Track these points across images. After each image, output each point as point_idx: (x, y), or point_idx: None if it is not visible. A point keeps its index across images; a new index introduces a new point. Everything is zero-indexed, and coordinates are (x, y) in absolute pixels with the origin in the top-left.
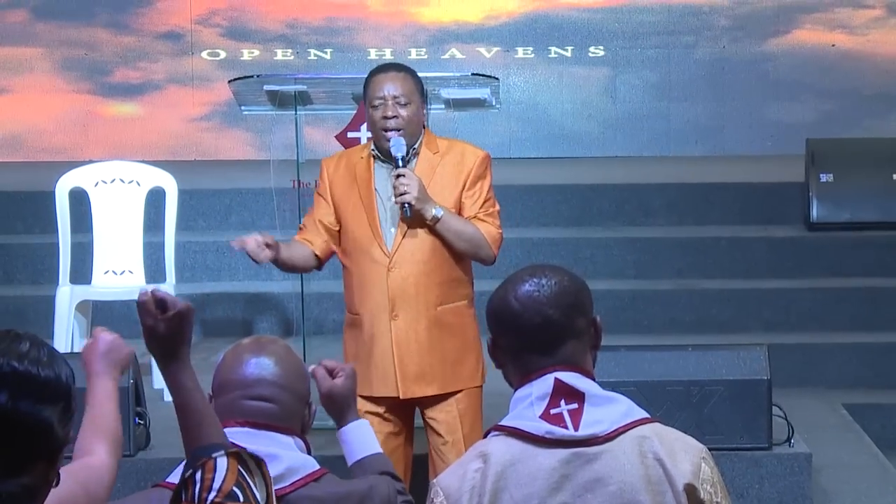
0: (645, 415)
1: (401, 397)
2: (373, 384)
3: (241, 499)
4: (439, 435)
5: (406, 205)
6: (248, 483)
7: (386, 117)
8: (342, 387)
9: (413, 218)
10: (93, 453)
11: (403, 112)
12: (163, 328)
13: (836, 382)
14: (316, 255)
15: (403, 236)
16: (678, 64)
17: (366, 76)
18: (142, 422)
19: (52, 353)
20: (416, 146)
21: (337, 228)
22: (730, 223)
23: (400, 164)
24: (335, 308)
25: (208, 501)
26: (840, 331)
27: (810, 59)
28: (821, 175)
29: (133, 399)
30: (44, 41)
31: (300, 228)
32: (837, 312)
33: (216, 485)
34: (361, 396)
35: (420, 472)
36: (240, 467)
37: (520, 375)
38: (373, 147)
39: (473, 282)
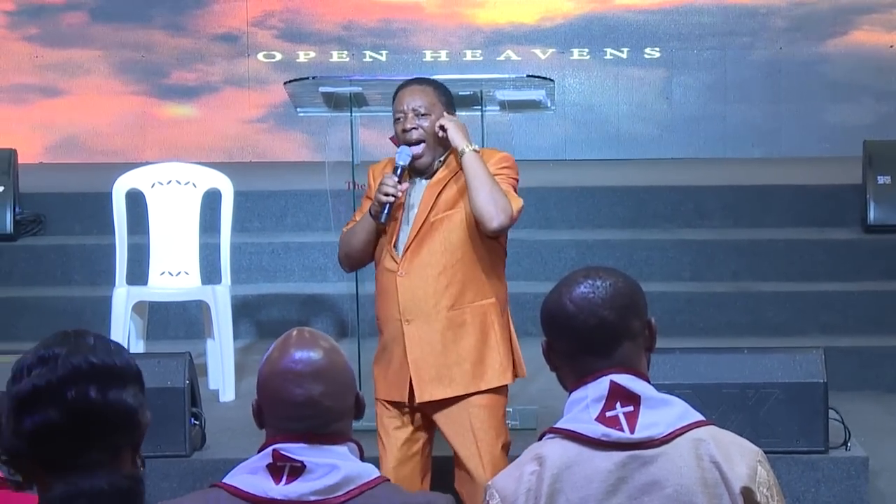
0: (700, 417)
1: (413, 402)
2: (391, 389)
3: None
4: (450, 442)
5: (386, 207)
6: None
7: (405, 130)
8: None
9: (420, 211)
10: None
11: (424, 123)
12: None
13: (894, 386)
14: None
15: (412, 242)
16: (734, 65)
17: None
18: (197, 422)
19: (114, 342)
20: (442, 158)
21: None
22: (786, 225)
23: (398, 172)
24: None
25: None
26: None
27: (868, 60)
28: (878, 177)
29: (189, 399)
30: (101, 43)
31: (345, 228)
32: (894, 315)
33: None
34: (380, 401)
35: (441, 477)
36: None
37: (575, 378)
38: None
39: (505, 280)
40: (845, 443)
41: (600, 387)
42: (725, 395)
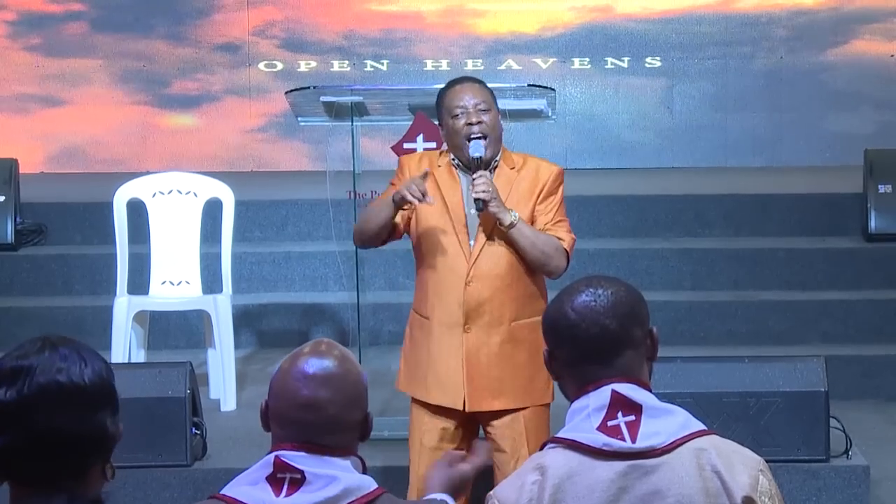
0: (702, 427)
1: (466, 410)
2: (433, 392)
3: None
4: (503, 451)
5: (480, 201)
6: None
7: (470, 123)
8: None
9: (484, 217)
10: None
11: (486, 118)
12: None
13: (895, 394)
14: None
15: (482, 250)
16: (735, 74)
17: (441, 89)
18: (198, 432)
19: (88, 355)
20: (497, 158)
21: (407, 220)
22: (787, 234)
23: (480, 164)
24: (391, 319)
25: None
26: None
27: (869, 69)
28: (879, 186)
29: (189, 409)
30: (102, 53)
31: (361, 212)
32: (895, 324)
33: None
34: (419, 404)
35: (480, 486)
36: None
37: (576, 387)
38: (453, 158)
39: (547, 297)
40: (846, 451)
41: (602, 396)
42: (726, 404)
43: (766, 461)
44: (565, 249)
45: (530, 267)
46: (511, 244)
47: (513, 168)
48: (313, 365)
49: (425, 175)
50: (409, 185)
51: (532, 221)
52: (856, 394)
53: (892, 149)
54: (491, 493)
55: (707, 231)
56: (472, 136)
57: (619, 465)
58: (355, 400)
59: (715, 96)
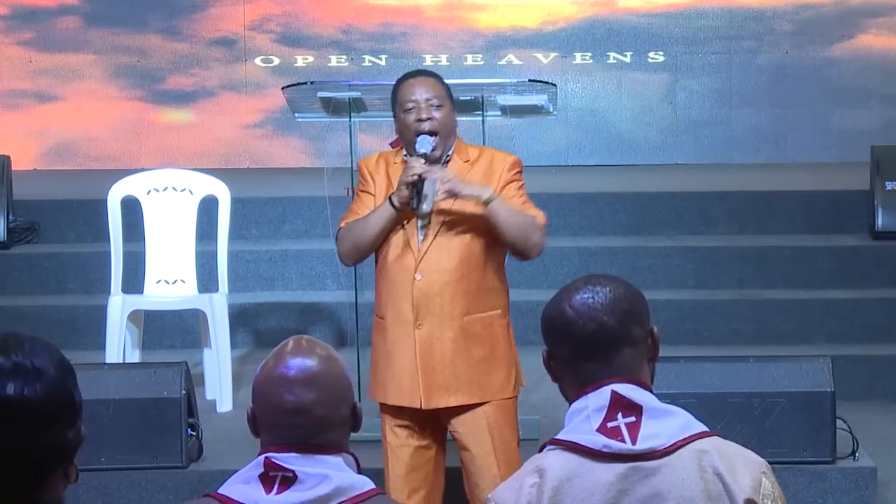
0: (704, 428)
1: (422, 407)
2: (390, 393)
3: None
4: (466, 449)
5: (416, 191)
6: None
7: (420, 119)
8: None
9: (437, 212)
10: None
11: (437, 114)
12: None
13: None
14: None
15: (430, 245)
16: (739, 69)
17: (395, 82)
18: (194, 433)
19: (41, 362)
20: (449, 153)
21: None
22: (792, 232)
23: (426, 160)
24: None
25: None
26: None
27: (875, 64)
28: (886, 183)
29: (185, 410)
30: (96, 48)
31: (344, 222)
32: None
33: None
34: (384, 406)
35: (454, 486)
36: None
37: (576, 387)
38: (405, 153)
39: (509, 291)
40: (853, 453)
41: (601, 396)
42: (731, 405)
43: (771, 463)
44: (541, 226)
45: (510, 247)
46: (489, 222)
47: (466, 161)
48: (295, 367)
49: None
50: (407, 172)
51: None
52: (862, 394)
53: None
54: (489, 495)
55: (711, 229)
56: (421, 132)
57: (619, 468)
58: (341, 396)
59: (719, 92)
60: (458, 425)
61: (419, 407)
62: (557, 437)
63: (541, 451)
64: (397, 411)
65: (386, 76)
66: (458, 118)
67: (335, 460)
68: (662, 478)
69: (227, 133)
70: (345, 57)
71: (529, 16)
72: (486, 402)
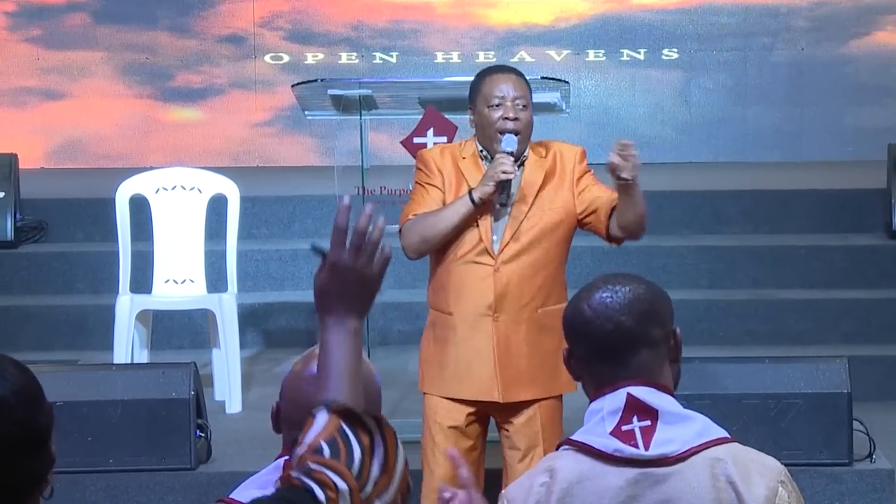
0: (722, 434)
1: (501, 401)
2: (463, 387)
3: (328, 453)
4: (516, 448)
5: (505, 188)
6: (345, 439)
7: (507, 118)
8: None
9: (516, 207)
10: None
11: (522, 115)
12: (345, 267)
13: None
14: None
15: (511, 238)
16: (755, 67)
17: (479, 73)
18: (203, 434)
19: (12, 379)
20: (525, 152)
21: None
22: (808, 231)
23: (512, 157)
24: (400, 318)
25: (297, 455)
26: None
27: (892, 60)
28: None
29: (194, 411)
30: (104, 45)
31: (409, 217)
32: None
33: (307, 439)
34: (436, 404)
35: (493, 488)
36: (343, 424)
37: (593, 388)
38: (479, 147)
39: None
40: (870, 455)
41: (617, 399)
42: (746, 406)
43: (787, 465)
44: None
45: (633, 223)
46: (624, 198)
47: (542, 157)
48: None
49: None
50: (497, 168)
51: (575, 208)
52: (879, 395)
53: None
54: (503, 491)
55: (725, 228)
56: (506, 131)
57: (630, 473)
58: (369, 405)
59: (734, 89)
60: (515, 425)
61: (497, 401)
62: (572, 437)
63: (557, 449)
64: (450, 406)
65: (397, 74)
66: (469, 117)
67: None
68: (673, 485)
69: (237, 131)
70: (355, 54)
71: (542, 12)
72: (542, 400)
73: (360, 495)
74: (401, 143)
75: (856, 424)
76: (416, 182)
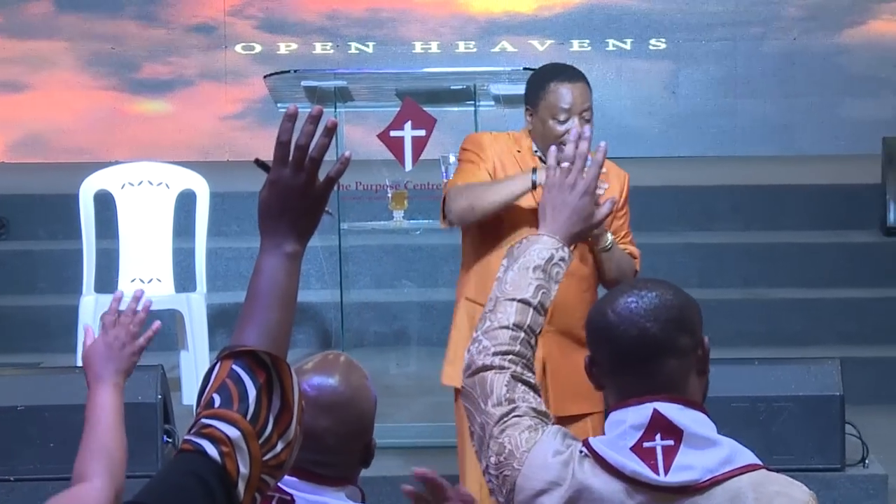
0: (749, 461)
1: (552, 415)
2: None
3: (219, 403)
4: None
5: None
6: (237, 381)
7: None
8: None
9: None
10: (86, 478)
11: (588, 128)
12: (286, 185)
13: None
14: None
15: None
16: (745, 57)
17: (536, 71)
18: (170, 440)
19: None
20: None
21: None
22: (801, 228)
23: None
24: (376, 319)
25: (201, 403)
26: None
27: (887, 51)
28: None
29: (161, 416)
30: (67, 34)
31: (462, 181)
32: None
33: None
34: None
35: None
36: (234, 365)
37: (617, 398)
38: (536, 149)
39: None
40: (863, 459)
41: (642, 413)
42: (735, 410)
43: (777, 471)
44: (636, 267)
45: (604, 281)
46: (598, 259)
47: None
48: (317, 386)
49: None
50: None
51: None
52: (873, 398)
53: None
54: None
55: (715, 225)
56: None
57: (643, 497)
58: (358, 432)
59: (723, 80)
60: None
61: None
62: (592, 443)
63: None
64: None
65: (373, 64)
66: (448, 108)
67: (337, 493)
68: None
69: (206, 124)
70: (330, 44)
71: (524, 1)
72: (594, 413)
73: (257, 437)
74: (377, 136)
75: (848, 428)
76: (464, 160)
